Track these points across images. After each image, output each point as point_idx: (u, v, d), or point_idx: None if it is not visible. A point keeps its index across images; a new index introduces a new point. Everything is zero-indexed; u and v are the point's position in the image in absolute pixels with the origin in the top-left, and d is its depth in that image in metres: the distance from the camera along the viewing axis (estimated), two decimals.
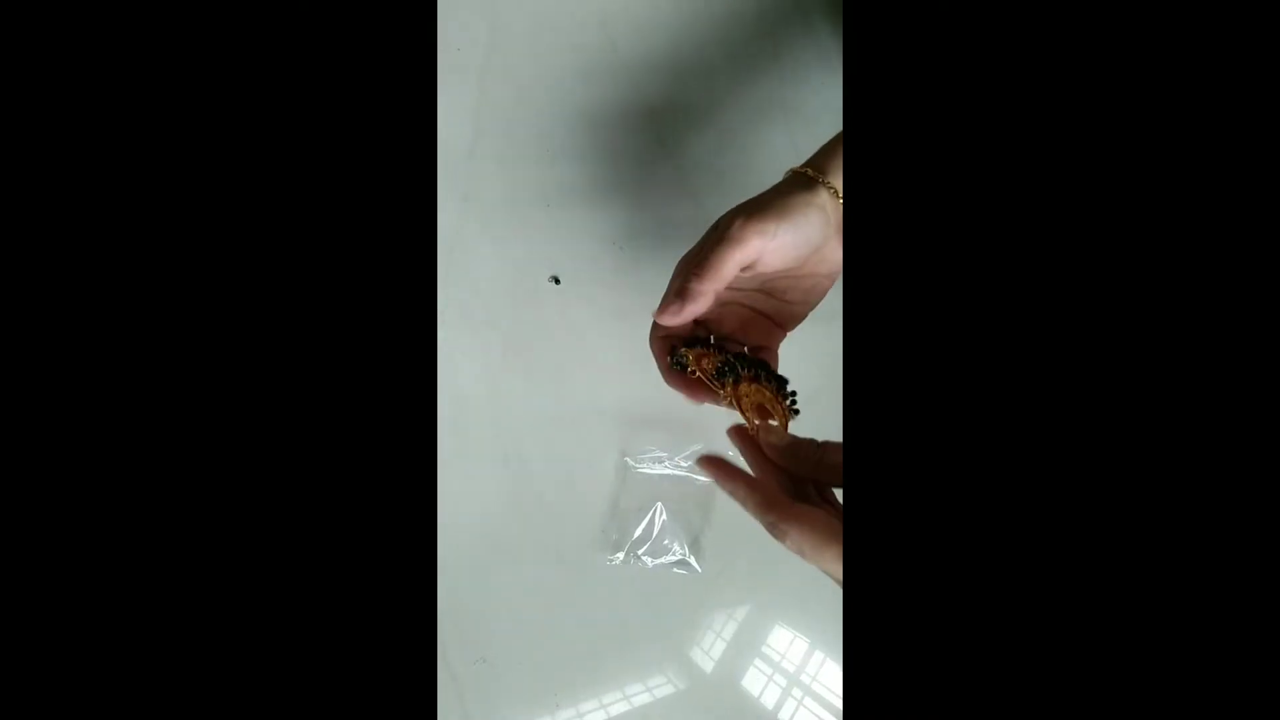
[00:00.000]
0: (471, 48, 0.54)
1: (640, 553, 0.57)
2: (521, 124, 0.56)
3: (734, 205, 0.40)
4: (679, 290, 0.38)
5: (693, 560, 0.57)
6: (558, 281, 0.56)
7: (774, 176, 0.41)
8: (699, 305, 0.38)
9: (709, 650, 0.58)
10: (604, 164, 0.56)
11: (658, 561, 0.57)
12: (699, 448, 0.57)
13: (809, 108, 0.57)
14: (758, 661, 0.58)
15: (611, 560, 0.57)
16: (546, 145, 0.56)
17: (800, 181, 0.40)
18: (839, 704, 0.57)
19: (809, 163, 0.41)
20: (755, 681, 0.57)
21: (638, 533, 0.57)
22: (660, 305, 0.39)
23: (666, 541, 0.57)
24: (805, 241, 0.39)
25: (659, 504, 0.57)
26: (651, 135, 0.56)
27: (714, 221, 0.40)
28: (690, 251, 0.41)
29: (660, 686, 0.57)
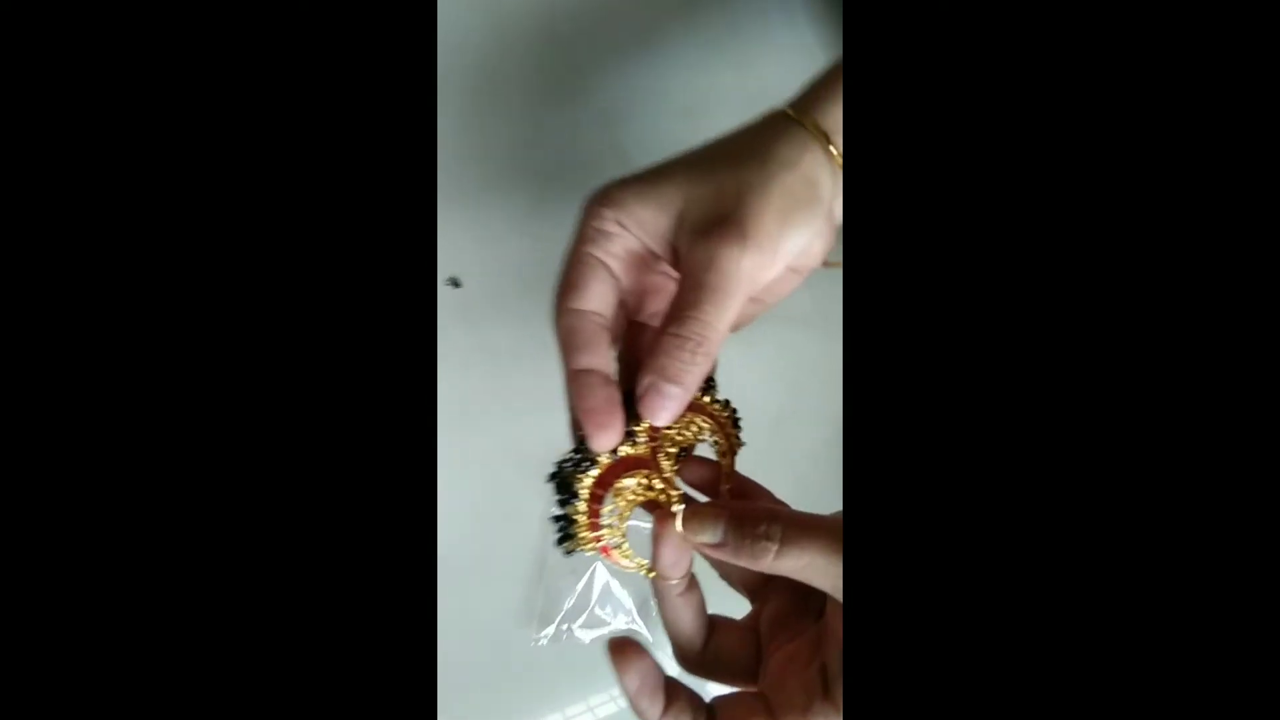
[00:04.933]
0: None
1: (575, 625, 0.47)
2: None
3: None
4: (673, 375, 0.29)
5: (641, 626, 0.47)
6: (457, 284, 0.48)
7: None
8: (694, 386, 0.30)
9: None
10: (522, 128, 0.48)
11: (595, 634, 0.47)
12: None
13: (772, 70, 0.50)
14: None
15: (537, 640, 0.47)
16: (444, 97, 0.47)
17: (786, 133, 0.29)
18: None
19: (798, 104, 0.32)
20: None
21: (570, 601, 0.47)
22: (643, 400, 0.30)
23: (607, 610, 0.47)
24: (804, 246, 0.30)
25: (597, 564, 0.47)
26: (583, 101, 0.49)
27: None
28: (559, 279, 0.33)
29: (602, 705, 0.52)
